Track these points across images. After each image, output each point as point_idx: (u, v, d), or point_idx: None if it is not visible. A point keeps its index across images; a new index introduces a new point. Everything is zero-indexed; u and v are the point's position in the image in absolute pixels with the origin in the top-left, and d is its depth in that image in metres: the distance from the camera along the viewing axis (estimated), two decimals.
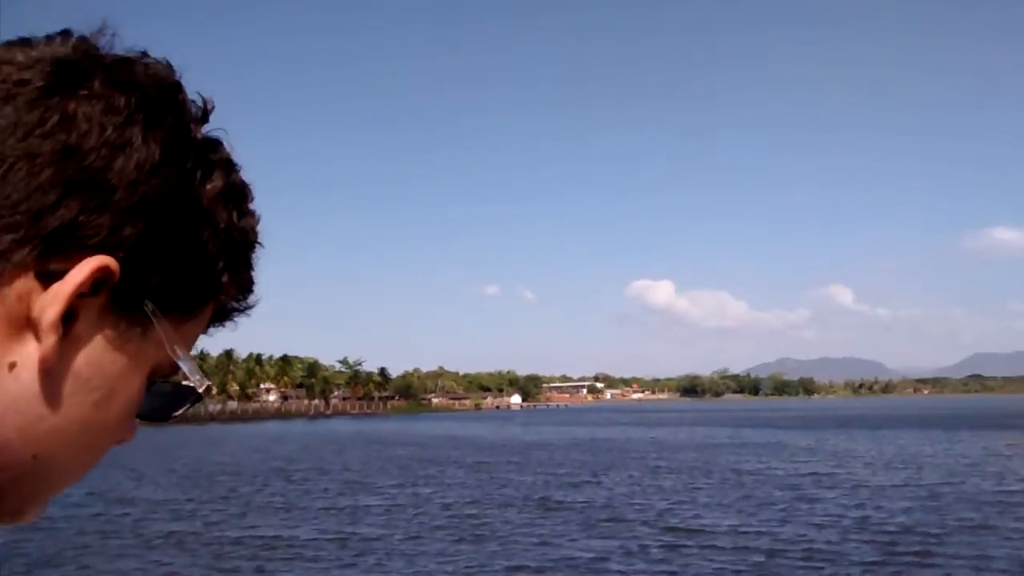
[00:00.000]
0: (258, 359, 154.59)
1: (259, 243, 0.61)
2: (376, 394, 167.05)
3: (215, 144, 0.58)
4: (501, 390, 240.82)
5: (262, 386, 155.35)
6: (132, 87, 0.54)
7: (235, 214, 0.58)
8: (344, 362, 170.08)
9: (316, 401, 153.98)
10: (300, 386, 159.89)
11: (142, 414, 0.58)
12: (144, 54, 0.57)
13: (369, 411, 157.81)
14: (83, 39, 0.55)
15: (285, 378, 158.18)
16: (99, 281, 0.51)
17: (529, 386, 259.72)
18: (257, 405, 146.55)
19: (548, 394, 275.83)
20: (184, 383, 0.58)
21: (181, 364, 0.57)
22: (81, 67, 0.53)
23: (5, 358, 0.50)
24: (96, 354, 0.52)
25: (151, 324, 0.54)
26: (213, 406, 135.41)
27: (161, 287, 0.54)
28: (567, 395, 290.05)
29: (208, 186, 0.56)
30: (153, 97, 0.55)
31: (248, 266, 0.61)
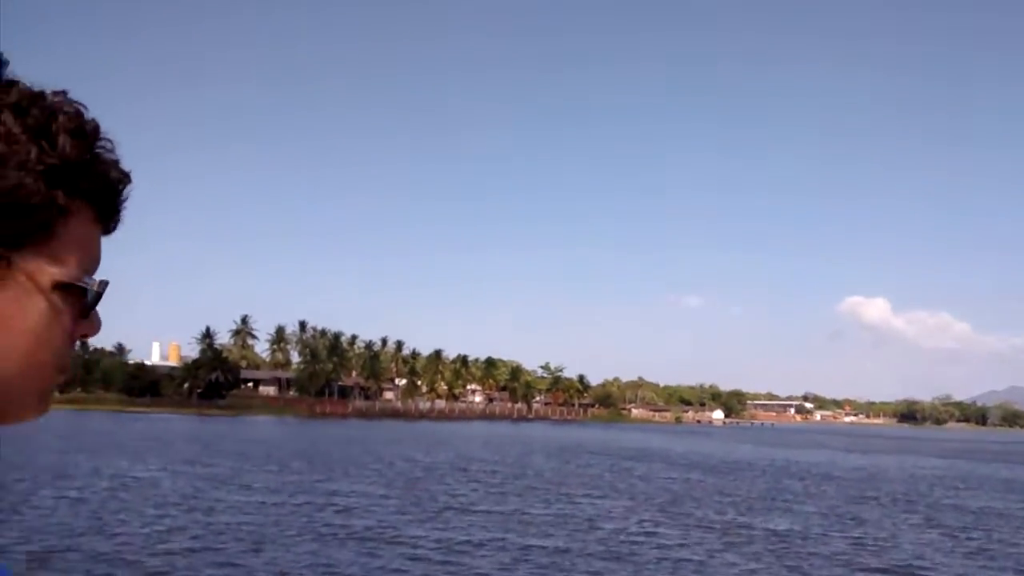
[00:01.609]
0: (464, 361, 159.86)
1: (88, 163, 0.69)
2: (576, 401, 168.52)
3: (9, 100, 0.67)
4: (703, 404, 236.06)
5: (469, 387, 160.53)
6: None
7: (45, 145, 0.66)
8: (545, 367, 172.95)
9: (519, 404, 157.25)
10: (504, 389, 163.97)
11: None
12: None
13: (569, 417, 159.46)
14: None
15: (490, 380, 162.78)
16: None
17: (732, 402, 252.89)
18: (464, 405, 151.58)
19: (752, 411, 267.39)
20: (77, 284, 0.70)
21: (61, 280, 0.69)
22: None
23: None
24: None
25: (19, 261, 0.66)
26: (423, 404, 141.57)
27: (6, 236, 0.66)
28: (773, 413, 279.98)
29: (4, 143, 0.65)
30: None
31: (85, 180, 0.69)
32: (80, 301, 0.70)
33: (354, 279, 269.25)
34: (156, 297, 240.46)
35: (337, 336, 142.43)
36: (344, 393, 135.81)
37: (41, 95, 0.69)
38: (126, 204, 0.74)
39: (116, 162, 0.72)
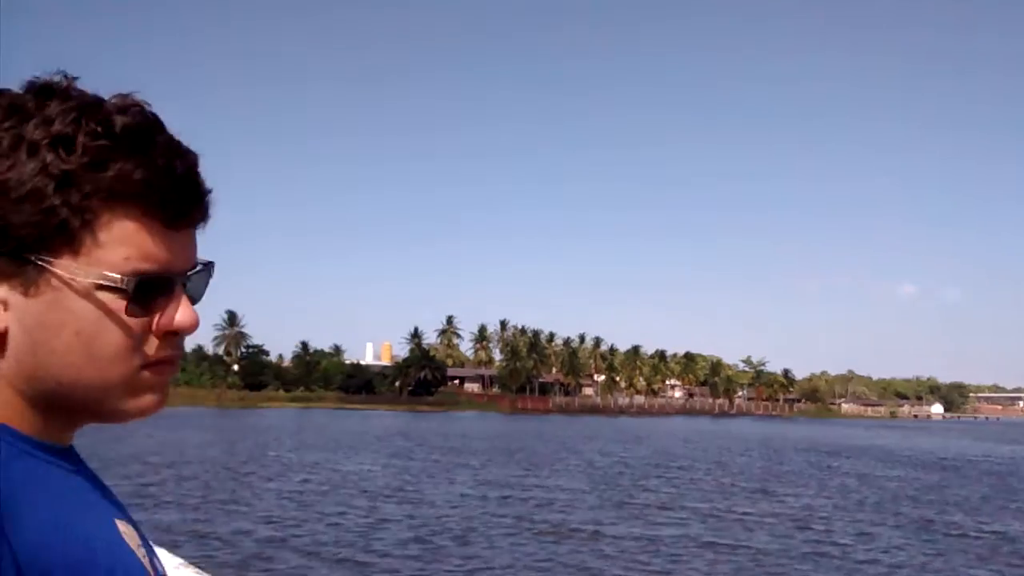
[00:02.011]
0: (662, 356, 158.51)
1: (105, 160, 0.70)
2: (781, 396, 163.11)
3: (39, 112, 0.70)
4: (919, 398, 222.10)
5: (667, 382, 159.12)
6: None
7: (60, 151, 0.68)
8: (747, 361, 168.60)
9: (720, 400, 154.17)
10: (704, 384, 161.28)
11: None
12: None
13: (774, 413, 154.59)
14: None
15: (689, 375, 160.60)
16: None
17: (952, 395, 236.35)
18: (663, 401, 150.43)
19: (976, 405, 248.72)
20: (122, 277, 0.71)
21: (88, 278, 0.70)
22: None
23: None
24: (25, 306, 0.69)
25: (46, 266, 0.69)
26: (623, 399, 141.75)
27: (30, 238, 0.68)
28: (999, 407, 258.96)
29: (23, 153, 0.68)
30: None
31: (105, 180, 0.70)
32: (124, 297, 0.71)
33: (552, 277, 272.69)
34: (368, 301, 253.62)
35: (536, 334, 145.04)
36: (544, 389, 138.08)
37: (92, 102, 0.72)
38: (191, 200, 0.75)
39: (163, 158, 0.73)
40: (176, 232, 0.74)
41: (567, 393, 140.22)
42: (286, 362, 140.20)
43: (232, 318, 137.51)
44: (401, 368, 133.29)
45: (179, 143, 0.75)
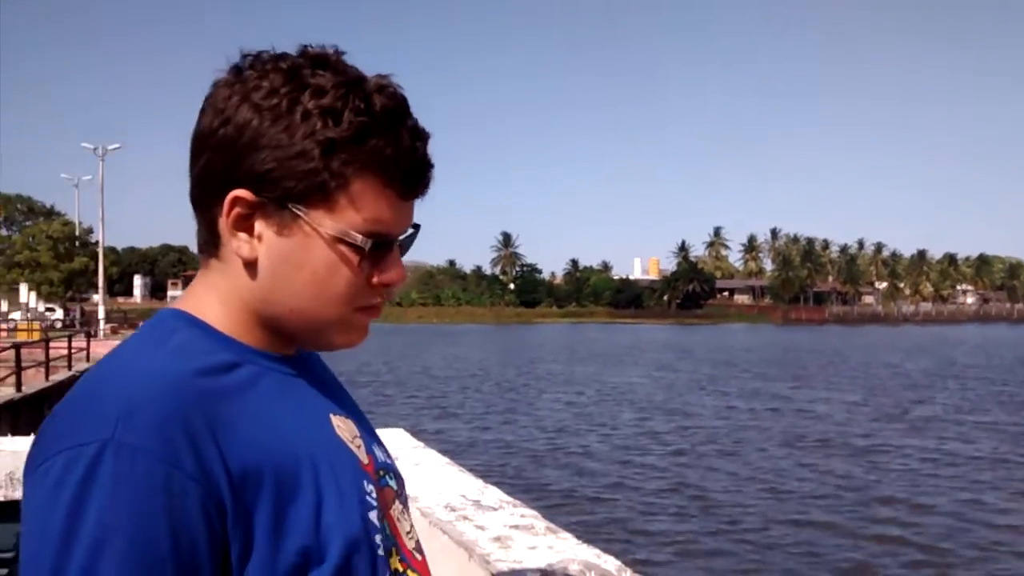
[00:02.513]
0: (952, 260, 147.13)
1: (364, 135, 0.84)
2: None
3: (313, 81, 0.84)
4: None
5: (959, 288, 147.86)
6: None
7: (328, 121, 0.82)
8: None
9: (1020, 305, 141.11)
10: (1001, 288, 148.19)
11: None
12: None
13: None
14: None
15: (984, 279, 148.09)
16: (239, 202, 0.84)
17: None
18: (953, 307, 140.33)
19: None
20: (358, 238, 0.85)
21: (335, 233, 0.84)
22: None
23: (237, 255, 0.86)
24: (276, 242, 0.85)
25: (301, 215, 0.84)
26: (906, 308, 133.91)
27: (291, 189, 0.83)
28: None
29: (297, 116, 0.82)
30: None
31: (361, 152, 0.84)
32: (361, 254, 0.85)
33: (824, 181, 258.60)
34: (635, 215, 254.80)
35: (810, 241, 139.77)
36: (820, 299, 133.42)
37: (356, 79, 0.85)
38: (422, 177, 0.88)
39: (407, 140, 0.85)
40: (404, 202, 0.88)
41: (845, 302, 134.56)
42: (558, 279, 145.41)
43: (507, 239, 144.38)
44: (669, 282, 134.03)
45: (420, 126, 0.88)
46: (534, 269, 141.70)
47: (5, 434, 3.83)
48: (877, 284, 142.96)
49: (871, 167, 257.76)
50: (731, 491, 13.66)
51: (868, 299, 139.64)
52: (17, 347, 17.14)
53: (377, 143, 0.84)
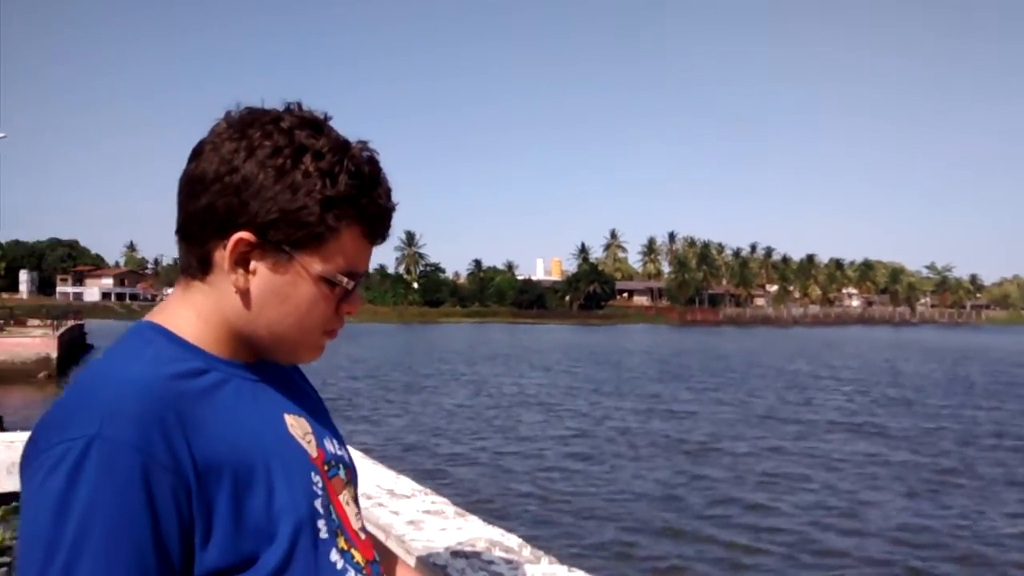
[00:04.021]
0: (839, 264, 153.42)
1: (355, 196, 1.01)
2: (968, 303, 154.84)
3: (311, 144, 1.00)
4: None
5: (844, 291, 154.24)
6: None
7: (327, 182, 0.99)
8: (931, 268, 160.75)
9: (901, 308, 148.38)
10: (884, 292, 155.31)
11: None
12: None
13: (959, 321, 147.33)
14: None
15: (868, 283, 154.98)
16: (242, 243, 0.98)
17: None
18: (839, 310, 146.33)
19: None
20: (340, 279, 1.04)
21: (322, 275, 1.02)
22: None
23: (234, 285, 1.00)
24: (269, 277, 1.01)
25: (295, 256, 1.00)
26: (796, 310, 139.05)
27: (290, 236, 0.99)
28: None
29: (299, 175, 0.98)
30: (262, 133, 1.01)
31: (352, 209, 1.01)
32: (338, 290, 1.03)
33: (718, 187, 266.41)
34: (538, 216, 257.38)
35: (706, 245, 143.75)
36: (715, 301, 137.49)
37: (344, 144, 1.02)
38: (390, 228, 1.08)
39: (384, 198, 1.05)
40: (371, 246, 1.07)
41: (738, 304, 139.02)
42: (462, 279, 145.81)
43: (411, 238, 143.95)
44: (571, 283, 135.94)
45: (388, 185, 1.07)
46: (438, 268, 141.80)
47: None
48: (768, 287, 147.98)
49: (764, 175, 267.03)
50: (582, 491, 14.49)
51: (760, 301, 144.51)
52: None
53: (364, 201, 1.02)
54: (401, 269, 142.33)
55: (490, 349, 55.06)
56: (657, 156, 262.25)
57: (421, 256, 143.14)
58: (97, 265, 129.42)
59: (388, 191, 1.06)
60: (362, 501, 2.39)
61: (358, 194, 1.01)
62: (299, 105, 1.04)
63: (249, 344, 1.06)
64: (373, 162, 1.05)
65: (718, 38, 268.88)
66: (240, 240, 0.98)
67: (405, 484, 2.66)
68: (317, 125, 1.02)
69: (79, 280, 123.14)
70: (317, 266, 1.01)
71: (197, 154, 1.01)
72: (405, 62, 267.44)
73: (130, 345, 1.00)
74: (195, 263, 1.03)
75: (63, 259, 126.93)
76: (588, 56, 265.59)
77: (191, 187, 1.00)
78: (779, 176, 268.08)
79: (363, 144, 1.05)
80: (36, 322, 43.65)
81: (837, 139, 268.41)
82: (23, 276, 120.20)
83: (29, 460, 0.90)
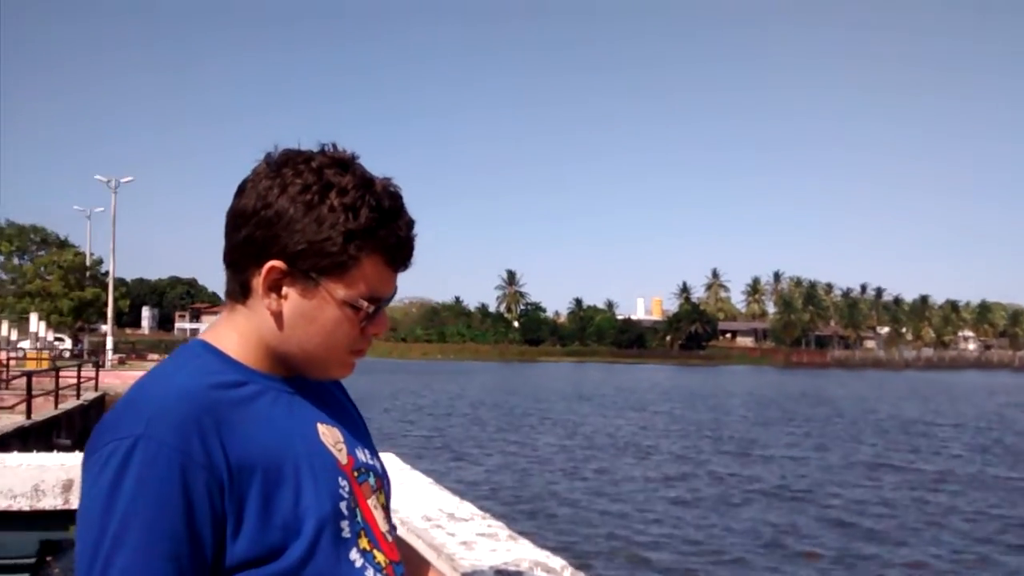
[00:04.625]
0: (954, 305, 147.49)
1: (375, 228, 1.11)
2: None
3: (337, 181, 1.11)
4: None
5: (960, 334, 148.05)
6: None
7: (349, 216, 1.09)
8: None
9: (1022, 352, 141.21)
10: (1003, 334, 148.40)
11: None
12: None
13: None
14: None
15: (985, 326, 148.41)
16: (274, 271, 1.10)
17: None
18: (954, 353, 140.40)
19: None
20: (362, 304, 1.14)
21: (345, 299, 1.13)
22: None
23: (268, 308, 1.12)
24: (298, 301, 1.12)
25: (322, 283, 1.11)
26: (908, 353, 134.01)
27: (316, 265, 1.10)
28: None
29: (325, 209, 1.09)
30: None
31: (372, 240, 1.12)
32: (361, 313, 1.14)
33: (825, 225, 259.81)
34: (638, 255, 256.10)
35: (812, 284, 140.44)
36: (822, 343, 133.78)
37: (368, 181, 1.13)
38: (410, 256, 1.18)
39: (404, 230, 1.15)
40: (395, 274, 1.18)
41: (847, 346, 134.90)
42: (562, 318, 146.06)
43: (511, 277, 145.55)
44: (671, 323, 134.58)
45: (410, 217, 1.17)
46: (538, 308, 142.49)
47: None
48: (879, 329, 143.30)
49: (875, 213, 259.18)
50: (667, 536, 14.54)
51: (870, 343, 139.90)
52: (28, 375, 18.03)
53: (383, 233, 1.12)
54: (502, 308, 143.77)
55: (588, 388, 55.10)
56: (759, 193, 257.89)
57: (522, 295, 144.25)
58: (213, 302, 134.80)
59: (409, 223, 1.16)
60: (422, 523, 2.71)
61: (378, 226, 1.11)
62: (333, 145, 1.16)
63: (284, 360, 1.17)
64: (395, 197, 1.15)
65: (823, 73, 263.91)
66: (272, 268, 1.10)
67: (466, 508, 2.81)
68: (344, 164, 1.13)
69: (196, 316, 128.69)
70: (341, 292, 1.12)
71: (240, 191, 1.14)
72: (509, 99, 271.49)
73: (180, 359, 1.14)
74: (237, 288, 1.16)
75: (182, 296, 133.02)
76: (690, 89, 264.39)
77: (234, 221, 1.13)
78: (891, 214, 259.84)
79: (387, 180, 1.16)
80: (155, 356, 46.32)
81: (951, 176, 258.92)
82: (145, 312, 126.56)
83: (86, 456, 1.03)
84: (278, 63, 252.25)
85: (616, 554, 12.35)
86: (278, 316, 1.14)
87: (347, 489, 1.15)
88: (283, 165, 1.13)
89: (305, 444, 1.13)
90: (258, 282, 1.12)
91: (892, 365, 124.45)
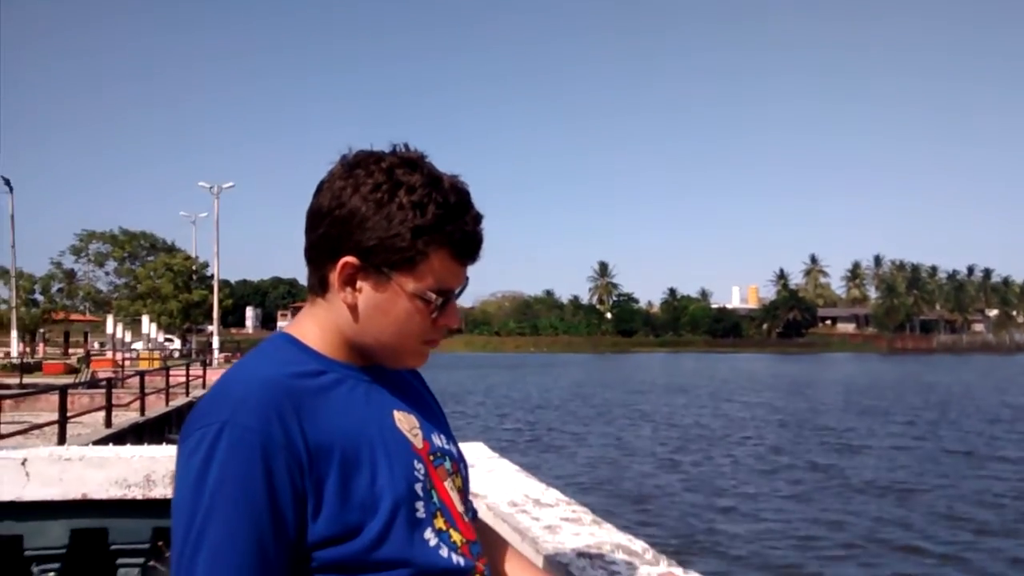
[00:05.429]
0: None
1: (442, 223, 1.16)
2: None
3: (406, 180, 1.16)
4: None
5: None
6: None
7: (417, 213, 1.15)
8: None
9: None
10: None
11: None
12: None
13: None
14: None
15: None
16: (348, 266, 1.16)
17: None
18: None
19: None
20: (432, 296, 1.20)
21: (415, 292, 1.18)
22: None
23: (344, 301, 1.19)
24: (372, 294, 1.18)
25: (392, 277, 1.17)
26: (1019, 336, 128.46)
27: (387, 260, 1.16)
28: None
29: (394, 207, 1.15)
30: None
31: (439, 235, 1.17)
32: (431, 306, 1.19)
33: (927, 205, 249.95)
34: (732, 242, 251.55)
35: (916, 268, 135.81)
36: (927, 327, 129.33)
37: (436, 179, 1.19)
38: (478, 250, 1.22)
39: (471, 224, 1.20)
40: (463, 267, 1.22)
41: (953, 331, 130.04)
42: (655, 308, 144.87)
43: (603, 268, 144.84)
44: (768, 310, 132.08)
45: (478, 212, 1.23)
46: (631, 299, 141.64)
47: None
48: (987, 312, 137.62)
49: (980, 190, 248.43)
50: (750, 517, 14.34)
51: (978, 327, 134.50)
52: (141, 375, 18.99)
53: (450, 228, 1.17)
54: (594, 300, 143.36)
55: (683, 380, 54.58)
56: (858, 175, 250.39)
57: (614, 286, 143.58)
58: None
59: (476, 217, 1.21)
60: (508, 508, 2.72)
61: (444, 222, 1.16)
62: (405, 145, 1.22)
63: (361, 350, 1.24)
64: (461, 192, 1.20)
65: (922, 54, 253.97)
66: (346, 263, 1.17)
67: (551, 495, 2.78)
68: (413, 163, 1.19)
69: (296, 314, 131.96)
70: (411, 285, 1.17)
71: (317, 191, 1.21)
72: (599, 92, 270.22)
73: (264, 350, 1.22)
74: (316, 283, 1.23)
75: (284, 296, 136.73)
76: (781, 72, 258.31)
77: (311, 219, 1.21)
78: (997, 192, 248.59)
79: (454, 177, 1.21)
80: None
81: None
82: (249, 312, 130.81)
83: (180, 443, 1.11)
84: (374, 74, 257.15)
85: (709, 548, 12.27)
86: (353, 309, 1.20)
87: (422, 471, 1.20)
88: (356, 166, 1.19)
89: (381, 429, 1.19)
90: (334, 277, 1.18)
91: (1002, 349, 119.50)
